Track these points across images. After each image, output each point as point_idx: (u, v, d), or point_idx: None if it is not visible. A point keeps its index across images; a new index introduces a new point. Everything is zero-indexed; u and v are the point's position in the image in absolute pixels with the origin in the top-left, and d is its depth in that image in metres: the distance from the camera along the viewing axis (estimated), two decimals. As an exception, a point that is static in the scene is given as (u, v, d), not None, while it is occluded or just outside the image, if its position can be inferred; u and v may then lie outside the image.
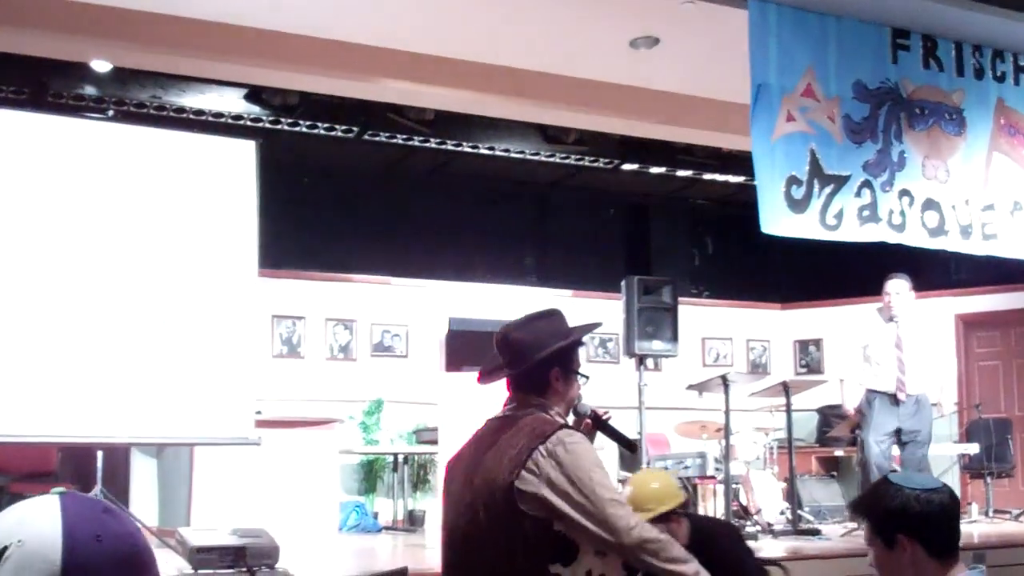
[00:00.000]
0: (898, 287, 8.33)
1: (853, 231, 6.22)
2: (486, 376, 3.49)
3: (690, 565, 3.09)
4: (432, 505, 9.51)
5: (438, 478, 7.70)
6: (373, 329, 11.05)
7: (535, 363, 3.30)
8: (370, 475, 10.75)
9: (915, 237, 6.47)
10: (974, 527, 9.45)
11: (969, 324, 12.31)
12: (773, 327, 13.03)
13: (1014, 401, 12.21)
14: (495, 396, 3.50)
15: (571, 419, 3.50)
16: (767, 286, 13.08)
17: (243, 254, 7.43)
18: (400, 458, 10.32)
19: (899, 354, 8.22)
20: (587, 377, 3.49)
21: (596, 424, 3.64)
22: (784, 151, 6.04)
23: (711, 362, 12.39)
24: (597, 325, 3.70)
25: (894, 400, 8.15)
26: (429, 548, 7.90)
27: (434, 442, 8.59)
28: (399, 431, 10.82)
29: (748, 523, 8.72)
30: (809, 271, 12.34)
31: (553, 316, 3.48)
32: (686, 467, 9.23)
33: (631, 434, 5.08)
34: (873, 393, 8.22)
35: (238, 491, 8.12)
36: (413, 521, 10.22)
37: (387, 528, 9.99)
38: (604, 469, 3.14)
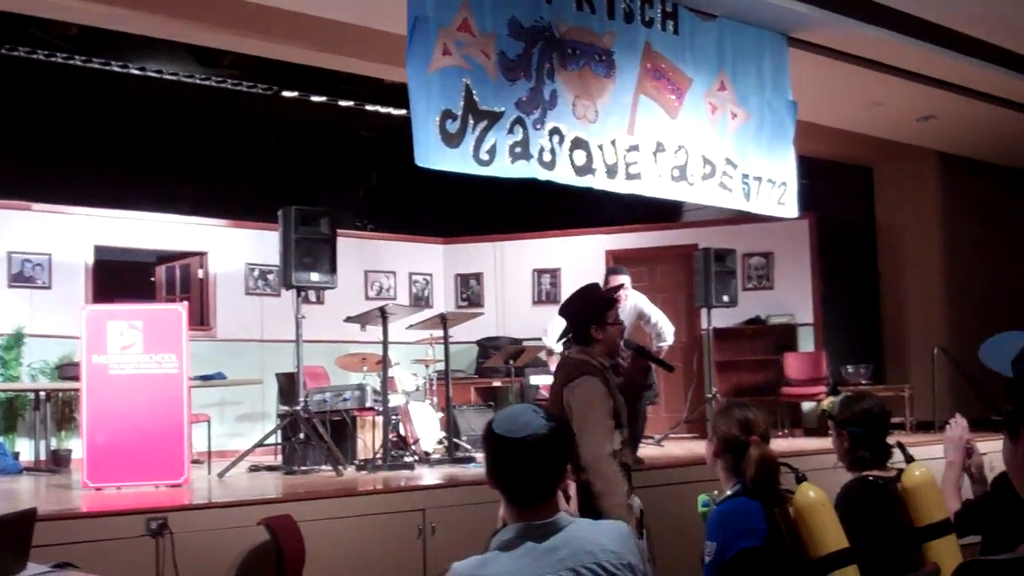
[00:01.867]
0: (626, 280, 8.48)
1: (505, 167, 6.34)
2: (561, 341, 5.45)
3: (614, 498, 4.47)
4: (78, 445, 9.02)
5: (83, 416, 7.27)
6: (12, 258, 10.30)
7: (576, 325, 4.90)
8: (10, 413, 10.09)
9: (564, 174, 6.67)
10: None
11: (618, 260, 12.89)
12: (435, 261, 13.20)
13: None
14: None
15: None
16: (430, 220, 13.20)
17: None
18: (43, 395, 9.72)
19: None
20: (623, 324, 5.20)
21: (639, 353, 5.13)
22: (440, 85, 6.05)
23: (374, 295, 12.40)
24: (620, 287, 5.68)
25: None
26: (75, 489, 7.52)
27: (77, 378, 8.10)
28: (41, 367, 10.20)
29: (406, 453, 8.82)
30: (469, 207, 12.56)
31: (588, 289, 5.19)
32: (345, 399, 9.19)
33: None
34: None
35: None
36: (58, 461, 9.70)
37: (28, 469, 9.40)
38: (597, 406, 4.59)
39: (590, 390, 4.59)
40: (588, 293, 5.09)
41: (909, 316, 12.83)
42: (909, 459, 4.11)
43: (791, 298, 12.46)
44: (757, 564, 3.51)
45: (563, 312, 5.06)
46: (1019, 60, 8.89)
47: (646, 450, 10.07)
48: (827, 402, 4.57)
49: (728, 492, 3.79)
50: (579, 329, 4.85)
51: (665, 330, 8.66)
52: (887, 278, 13.21)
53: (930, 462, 4.17)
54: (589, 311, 4.88)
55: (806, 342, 12.45)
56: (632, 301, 8.41)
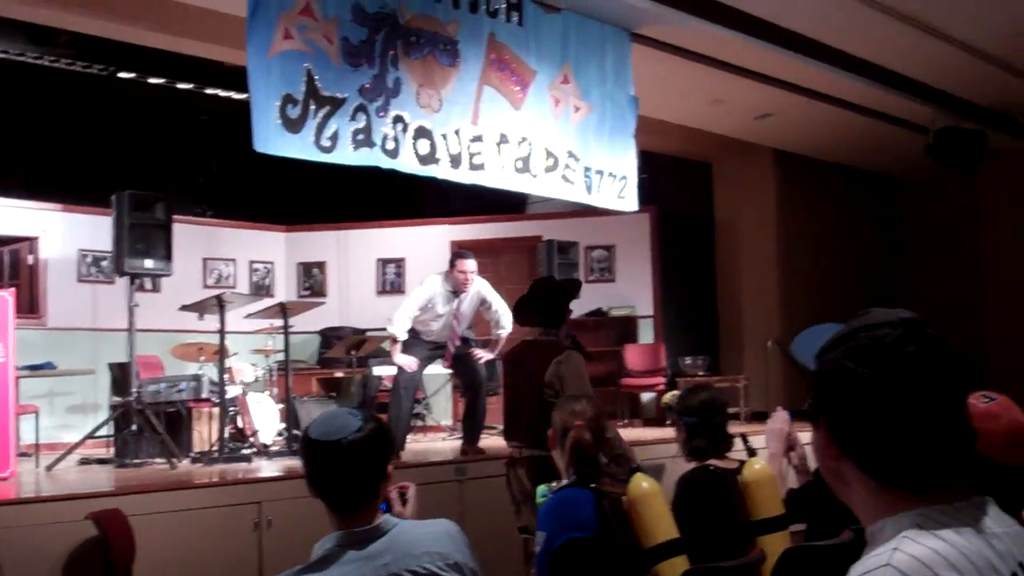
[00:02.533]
0: (475, 266, 8.34)
1: (348, 154, 6.25)
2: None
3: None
4: None
5: None
6: None
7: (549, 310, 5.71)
8: None
9: (408, 163, 6.62)
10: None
11: (463, 250, 12.93)
12: (277, 249, 12.98)
13: (501, 323, 13.01)
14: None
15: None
16: (272, 208, 12.96)
17: None
18: None
19: (454, 324, 8.26)
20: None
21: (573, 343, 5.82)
22: (280, 69, 5.93)
23: (213, 283, 12.12)
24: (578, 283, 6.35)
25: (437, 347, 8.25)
26: None
27: None
28: None
29: (244, 446, 8.65)
30: (313, 195, 12.39)
31: (552, 279, 6.29)
32: (180, 390, 8.96)
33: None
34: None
35: None
36: None
37: None
38: (585, 375, 5.50)
39: (578, 362, 5.45)
40: (557, 283, 6.07)
41: (745, 309, 13.19)
42: (751, 452, 4.22)
43: (632, 291, 12.68)
44: (585, 554, 3.54)
45: (531, 300, 5.80)
46: (853, 61, 9.19)
47: (489, 440, 10.12)
48: (668, 396, 4.68)
49: (564, 482, 3.82)
50: (552, 314, 5.68)
51: (504, 318, 8.69)
52: (724, 272, 13.57)
53: (763, 452, 4.27)
54: (563, 297, 5.75)
55: (646, 334, 12.69)
56: (476, 287, 8.41)
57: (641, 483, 3.68)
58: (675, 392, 4.70)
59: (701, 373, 12.03)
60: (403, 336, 7.97)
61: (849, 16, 8.22)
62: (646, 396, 12.36)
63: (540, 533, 3.60)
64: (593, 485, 3.70)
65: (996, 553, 1.41)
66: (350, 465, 2.61)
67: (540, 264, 10.81)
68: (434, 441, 9.79)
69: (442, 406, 11.93)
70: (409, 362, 7.99)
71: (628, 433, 9.54)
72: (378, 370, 10.18)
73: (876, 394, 1.45)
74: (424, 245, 12.67)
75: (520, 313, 6.00)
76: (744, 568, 3.87)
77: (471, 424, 8.23)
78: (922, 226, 14.48)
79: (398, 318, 7.97)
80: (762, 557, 3.88)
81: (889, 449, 1.46)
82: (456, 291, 8.07)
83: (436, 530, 2.77)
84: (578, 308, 11.91)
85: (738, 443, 4.31)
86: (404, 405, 8.13)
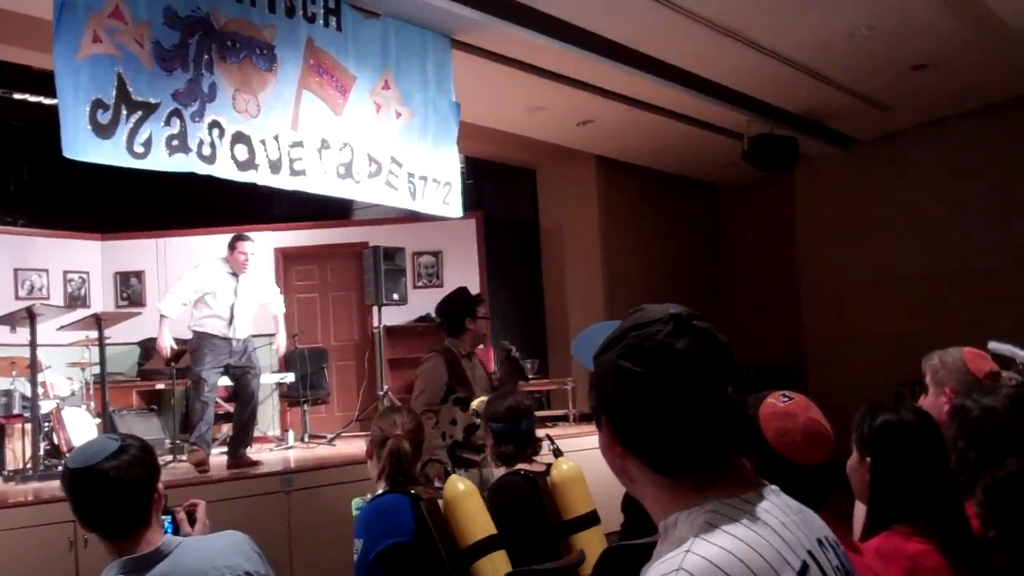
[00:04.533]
0: (254, 248, 8.43)
1: (162, 160, 6.10)
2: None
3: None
4: None
5: None
6: None
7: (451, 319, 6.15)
8: None
9: (225, 169, 6.50)
10: (291, 452, 9.89)
11: (289, 257, 12.77)
12: (93, 258, 12.55)
13: (330, 331, 12.92)
14: None
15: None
16: (87, 216, 12.51)
17: None
18: None
19: (234, 303, 8.25)
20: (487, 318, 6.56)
21: (508, 358, 6.13)
22: (90, 73, 5.74)
23: (25, 295, 11.64)
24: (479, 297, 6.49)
25: (226, 342, 8.18)
26: None
27: None
28: None
29: (60, 462, 8.34)
30: (130, 202, 12.04)
31: (461, 290, 6.42)
32: (-11, 406, 8.59)
33: None
34: (205, 334, 8.15)
35: None
36: None
37: None
38: (430, 378, 5.87)
39: (433, 363, 5.90)
40: (463, 293, 6.35)
41: (571, 312, 13.39)
42: (557, 453, 4.29)
43: (460, 296, 12.72)
44: (404, 559, 3.55)
45: (441, 309, 6.31)
46: (670, 69, 9.44)
47: (318, 450, 10.04)
48: (476, 402, 4.74)
49: (379, 491, 3.82)
50: (454, 321, 6.11)
51: (276, 301, 8.84)
52: (550, 276, 13.76)
53: (593, 453, 4.34)
54: (464, 307, 6.13)
55: (475, 339, 12.74)
56: (256, 273, 8.62)
57: (457, 484, 3.72)
58: (483, 399, 4.76)
59: (531, 376, 12.16)
60: (172, 314, 8.23)
61: (664, 25, 8.43)
62: (475, 401, 12.40)
63: (358, 540, 3.60)
64: (412, 491, 3.72)
65: (786, 544, 1.47)
66: (111, 490, 2.54)
67: (367, 271, 10.74)
68: (260, 452, 9.63)
69: (269, 415, 11.76)
70: (166, 345, 8.25)
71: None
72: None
73: (651, 390, 1.50)
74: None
75: (437, 325, 6.55)
76: (564, 569, 3.94)
77: (241, 430, 8.29)
78: (739, 230, 14.98)
79: (170, 296, 8.29)
80: (581, 558, 3.96)
81: (669, 442, 1.51)
82: (235, 272, 8.38)
83: (222, 543, 2.71)
84: (407, 314, 11.97)
85: (546, 446, 4.38)
86: (203, 411, 8.06)
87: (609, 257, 13.26)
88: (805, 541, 1.51)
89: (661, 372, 1.50)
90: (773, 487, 1.58)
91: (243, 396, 8.31)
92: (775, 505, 1.53)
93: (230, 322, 8.19)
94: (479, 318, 6.21)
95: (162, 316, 8.19)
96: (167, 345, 8.25)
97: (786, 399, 2.31)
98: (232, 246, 8.40)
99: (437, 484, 4.27)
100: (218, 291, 8.24)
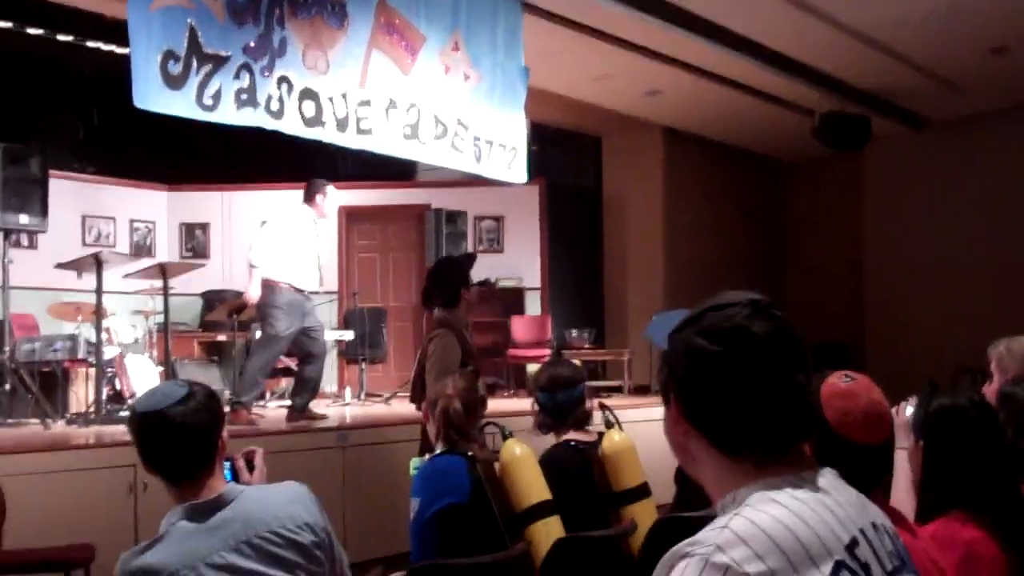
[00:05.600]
0: (333, 193, 8.35)
1: (231, 114, 6.13)
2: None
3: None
4: None
5: None
6: None
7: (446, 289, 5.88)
8: None
9: (292, 125, 6.52)
10: (348, 409, 9.98)
11: (351, 216, 12.84)
12: (159, 208, 12.71)
13: (389, 291, 12.99)
14: None
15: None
16: (154, 166, 12.64)
17: None
18: None
19: (318, 254, 8.22)
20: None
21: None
22: (163, 23, 5.77)
23: (92, 241, 11.83)
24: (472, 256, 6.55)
25: (301, 296, 8.06)
26: None
27: None
28: None
29: (122, 408, 8.48)
30: (197, 154, 12.13)
31: (455, 258, 6.56)
32: (55, 350, 8.74)
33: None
34: (281, 287, 7.98)
35: None
36: None
37: None
38: (446, 356, 5.46)
39: (446, 340, 5.54)
40: (452, 261, 6.34)
41: (630, 283, 13.35)
42: (609, 424, 4.28)
43: (520, 262, 12.74)
44: (460, 519, 3.57)
45: (430, 283, 6.00)
46: (740, 40, 9.32)
47: (374, 408, 10.12)
48: (532, 371, 4.72)
49: (437, 451, 3.84)
50: (447, 293, 5.84)
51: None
52: (611, 246, 13.71)
53: (647, 425, 4.32)
54: (457, 277, 5.95)
55: (533, 306, 12.77)
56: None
57: (514, 448, 3.72)
58: (536, 366, 4.76)
59: (587, 346, 12.16)
60: (262, 264, 7.92)
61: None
62: (531, 367, 12.43)
63: (414, 500, 3.62)
64: (469, 453, 3.73)
65: (836, 519, 1.47)
66: (177, 435, 2.56)
67: (428, 233, 10.79)
68: (317, 407, 9.70)
69: (327, 372, 11.85)
70: (255, 296, 7.94)
71: (511, 404, 9.64)
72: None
73: (724, 369, 1.52)
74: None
75: (425, 299, 6.11)
76: (614, 538, 3.94)
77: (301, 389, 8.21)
78: (805, 208, 14.81)
79: (258, 245, 7.99)
80: (633, 527, 3.96)
81: (735, 420, 1.53)
82: (317, 218, 8.32)
83: (284, 494, 2.74)
84: (467, 278, 11.95)
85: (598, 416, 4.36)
86: (259, 360, 8.00)
87: (671, 229, 13.18)
88: (858, 520, 1.52)
89: (735, 352, 1.52)
90: (831, 470, 1.59)
91: (315, 352, 8.26)
92: (831, 485, 1.54)
93: (311, 272, 8.12)
94: (472, 286, 6.05)
95: (252, 266, 7.98)
96: (256, 296, 7.98)
97: (848, 379, 2.29)
98: (320, 191, 8.29)
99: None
100: (303, 239, 8.11)
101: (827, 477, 1.55)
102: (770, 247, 14.68)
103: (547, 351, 11.94)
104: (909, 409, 2.85)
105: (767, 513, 1.43)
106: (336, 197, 8.49)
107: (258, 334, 8.55)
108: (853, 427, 2.22)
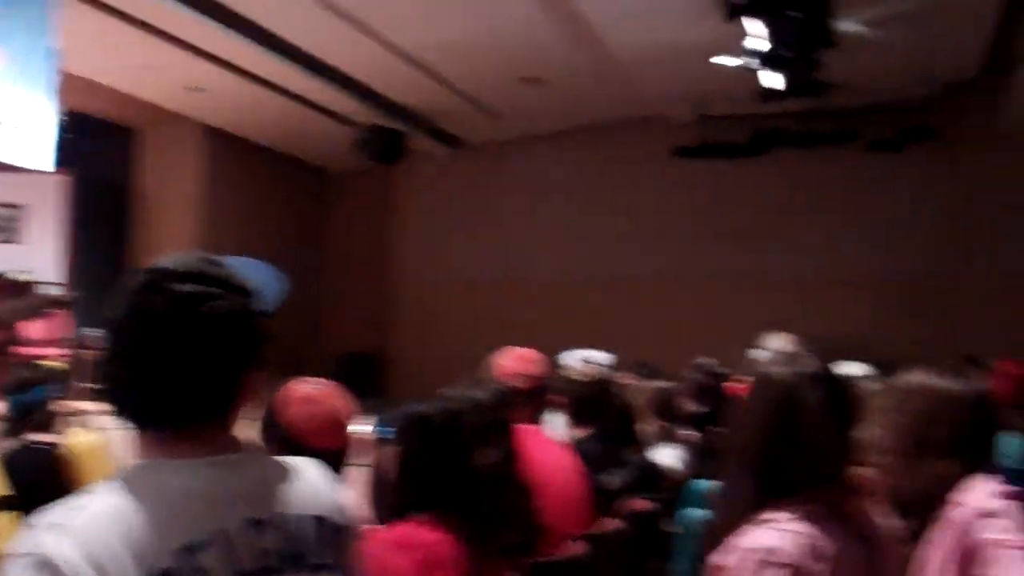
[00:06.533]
0: None
1: None
2: None
3: None
4: None
5: None
6: None
7: None
8: None
9: None
10: None
11: None
12: None
13: None
14: None
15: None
16: None
17: None
18: None
19: None
20: None
21: None
22: None
23: None
24: None
25: None
26: None
27: None
28: None
29: None
30: None
31: None
32: None
33: None
34: None
35: None
36: None
37: None
38: None
39: None
40: None
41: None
42: (78, 426, 4.34)
43: (40, 256, 11.89)
44: None
45: None
46: (287, 46, 9.29)
47: None
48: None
49: None
50: None
51: None
52: (142, 244, 13.16)
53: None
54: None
55: (54, 302, 11.96)
56: None
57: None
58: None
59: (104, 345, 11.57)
60: None
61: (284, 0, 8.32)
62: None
63: None
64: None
65: (212, 504, 1.43)
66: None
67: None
68: None
69: None
70: None
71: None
72: None
73: (121, 339, 1.51)
74: None
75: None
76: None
77: None
78: (343, 218, 15.03)
79: None
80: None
81: (115, 389, 1.51)
82: None
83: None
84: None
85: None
86: None
87: (209, 228, 12.89)
88: (224, 518, 1.43)
89: (126, 323, 1.52)
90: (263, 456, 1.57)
91: None
92: (221, 476, 1.46)
93: None
94: None
95: None
96: None
97: (316, 386, 2.42)
98: None
99: None
100: None
101: (259, 463, 1.52)
102: (306, 255, 14.75)
103: (65, 350, 11.24)
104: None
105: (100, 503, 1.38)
106: None
107: None
108: (310, 434, 2.31)
